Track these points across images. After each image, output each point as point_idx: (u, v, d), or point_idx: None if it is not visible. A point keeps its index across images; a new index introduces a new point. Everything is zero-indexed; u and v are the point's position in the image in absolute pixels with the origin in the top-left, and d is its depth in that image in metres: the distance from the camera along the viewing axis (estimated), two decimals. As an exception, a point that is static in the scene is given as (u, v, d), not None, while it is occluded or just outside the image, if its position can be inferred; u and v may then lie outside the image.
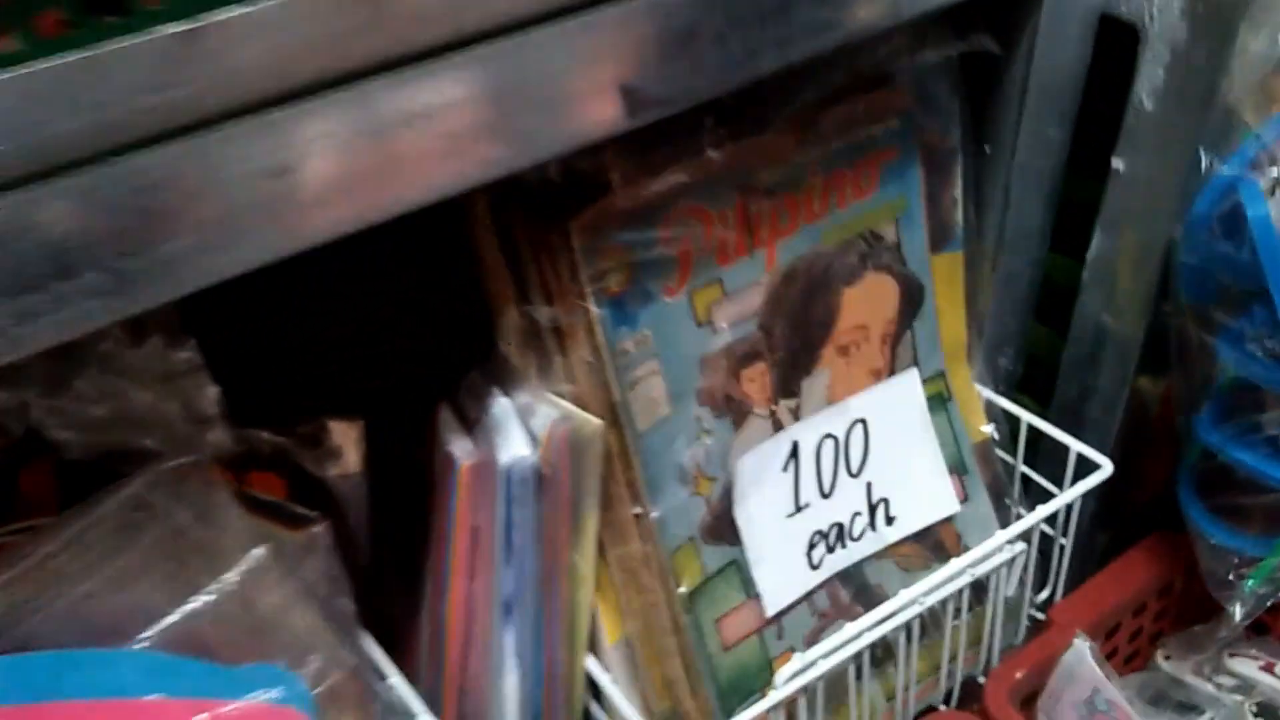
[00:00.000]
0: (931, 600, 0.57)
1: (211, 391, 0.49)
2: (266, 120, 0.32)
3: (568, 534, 0.51)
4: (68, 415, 0.46)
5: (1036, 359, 0.72)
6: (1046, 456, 0.66)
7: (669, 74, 0.40)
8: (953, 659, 0.62)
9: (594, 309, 0.49)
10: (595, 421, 0.49)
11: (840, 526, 0.59)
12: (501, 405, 0.50)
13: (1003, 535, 0.58)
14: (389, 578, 0.57)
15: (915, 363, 0.61)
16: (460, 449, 0.50)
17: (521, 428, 0.49)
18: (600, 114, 0.39)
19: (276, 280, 0.49)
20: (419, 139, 0.35)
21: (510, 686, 0.52)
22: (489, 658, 0.53)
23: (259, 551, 0.48)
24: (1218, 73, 0.55)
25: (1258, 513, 0.59)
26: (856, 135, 0.55)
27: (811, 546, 0.58)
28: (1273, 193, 0.51)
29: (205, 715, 0.43)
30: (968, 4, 0.50)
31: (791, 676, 0.52)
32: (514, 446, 0.48)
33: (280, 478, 0.51)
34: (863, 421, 0.59)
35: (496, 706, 0.52)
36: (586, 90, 0.38)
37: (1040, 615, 0.66)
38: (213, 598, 0.46)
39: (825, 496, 0.58)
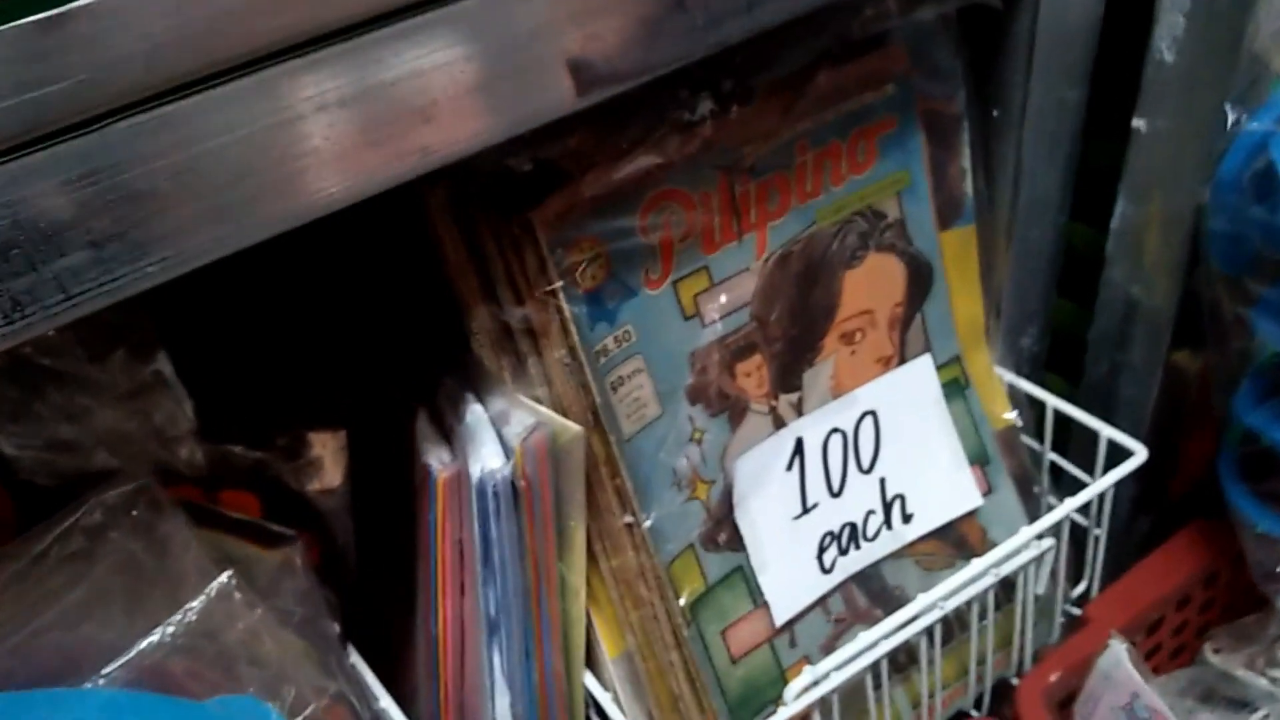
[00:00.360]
0: (954, 603, 0.53)
1: (182, 407, 0.47)
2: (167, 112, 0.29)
3: (552, 547, 0.47)
4: (26, 435, 0.43)
5: (1063, 336, 0.68)
6: (1077, 442, 0.61)
7: (621, 46, 0.36)
8: (981, 662, 0.58)
9: (566, 306, 0.45)
10: (574, 428, 0.46)
11: (853, 526, 0.55)
12: (475, 413, 0.46)
13: (1029, 530, 0.54)
14: (380, 595, 0.54)
15: (928, 348, 0.57)
16: (436, 460, 0.47)
17: (495, 437, 0.45)
18: (545, 94, 0.35)
19: (243, 287, 0.47)
20: (343, 128, 0.32)
21: (502, 708, 0.49)
22: (479, 677, 0.49)
23: (223, 577, 0.45)
24: (1243, 16, 0.50)
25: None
26: (849, 105, 0.51)
27: (823, 549, 0.54)
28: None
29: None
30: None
31: (803, 690, 0.49)
32: (486, 458, 0.44)
33: (254, 495, 0.48)
34: (873, 414, 0.55)
35: None
36: (529, 68, 0.35)
37: (1076, 611, 0.61)
38: (174, 629, 0.44)
39: (835, 495, 0.55)
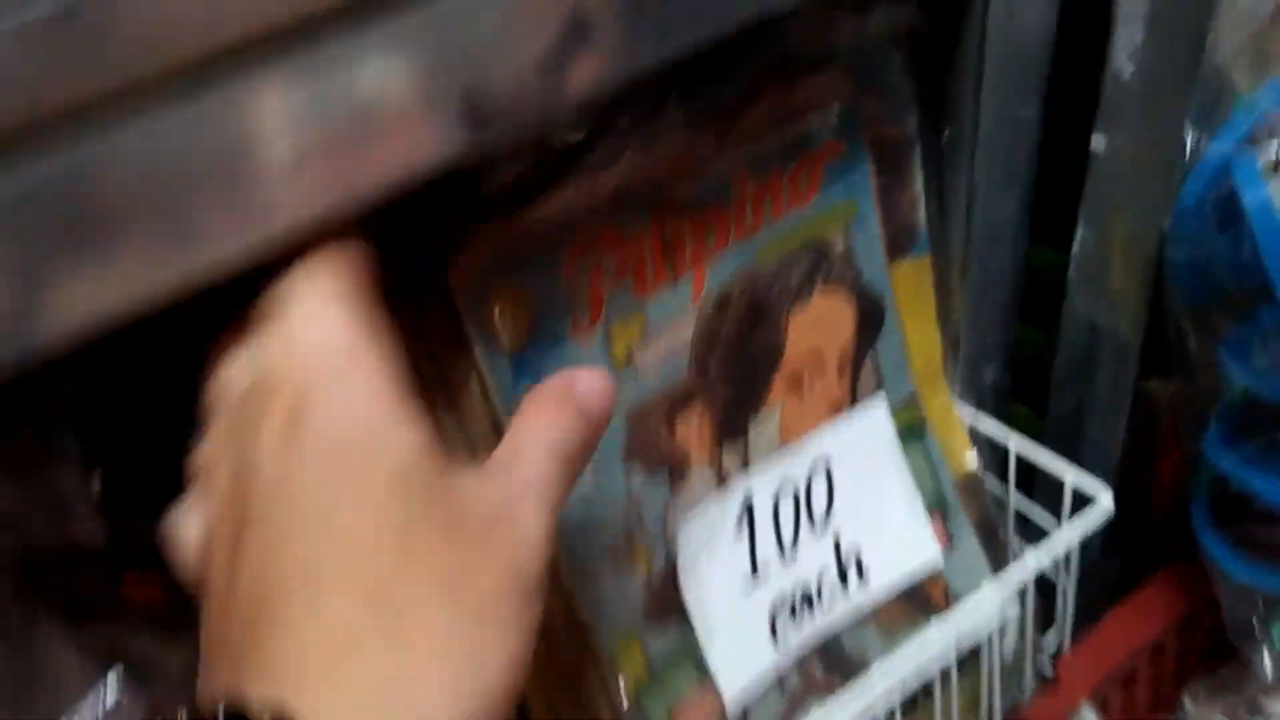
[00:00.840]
0: (914, 670, 0.48)
1: (84, 483, 0.41)
2: None
3: None
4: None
5: (1028, 364, 0.64)
6: (1042, 480, 0.57)
7: (514, 82, 0.30)
8: (949, 726, 0.54)
9: (484, 364, 0.40)
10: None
11: (807, 590, 0.50)
12: None
13: (993, 592, 0.50)
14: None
15: (881, 389, 0.52)
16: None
17: None
18: (432, 140, 0.30)
19: (146, 351, 0.41)
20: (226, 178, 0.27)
21: None
22: None
23: (109, 679, 0.40)
24: (1204, 27, 0.46)
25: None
26: (790, 131, 0.46)
27: (774, 617, 0.49)
28: (1275, 170, 0.42)
29: None
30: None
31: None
32: None
33: (158, 579, 0.43)
34: (825, 463, 0.51)
35: None
36: (413, 112, 0.29)
37: (1047, 666, 0.57)
38: None
39: (786, 556, 0.50)
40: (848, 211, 0.49)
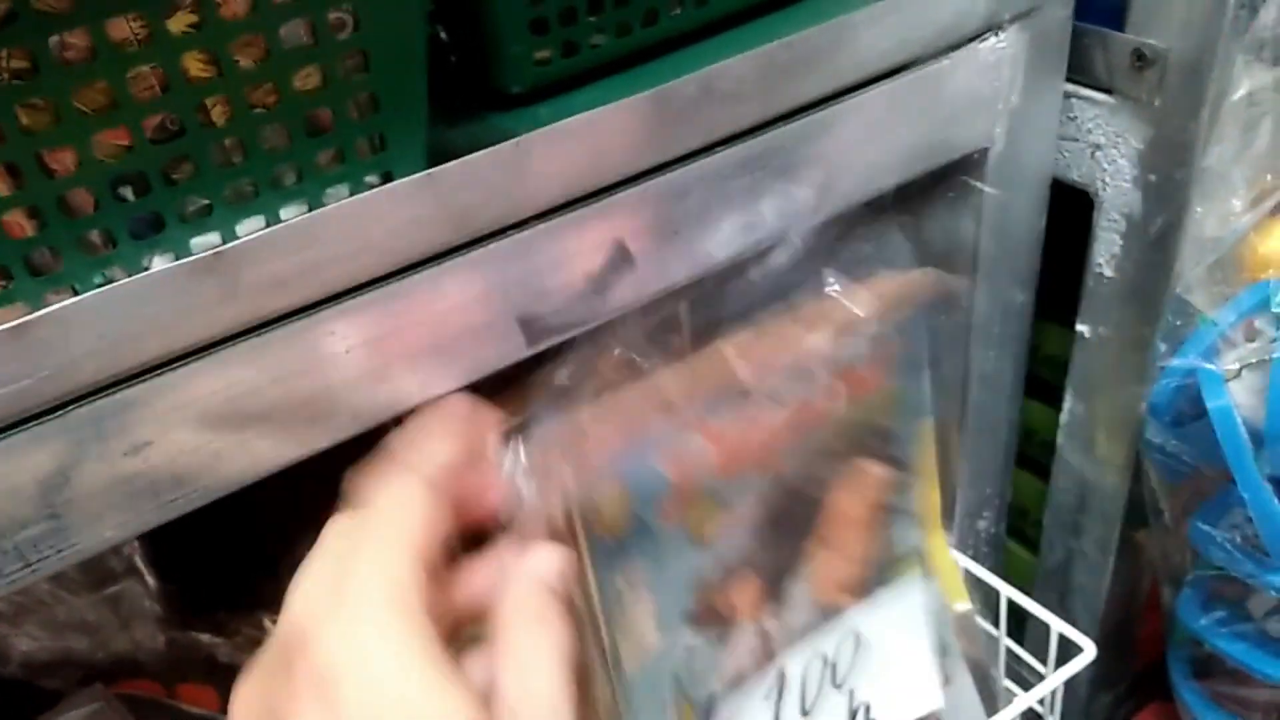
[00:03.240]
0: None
1: (148, 594, 0.45)
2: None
3: None
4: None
5: (1024, 507, 0.66)
6: (1032, 625, 0.59)
7: (562, 302, 0.35)
8: None
9: (587, 554, 0.42)
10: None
11: (821, 751, 0.51)
12: None
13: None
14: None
15: (894, 545, 0.54)
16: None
17: None
18: (497, 346, 0.35)
19: None
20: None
21: None
22: None
23: None
24: (1174, 247, 0.50)
25: (1258, 701, 0.52)
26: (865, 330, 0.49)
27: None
28: (1237, 375, 0.45)
29: None
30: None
31: None
32: None
33: (213, 688, 0.46)
34: (855, 634, 0.52)
35: None
36: (480, 326, 0.34)
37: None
38: None
39: (806, 714, 0.51)
40: (902, 395, 0.52)
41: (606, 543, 0.42)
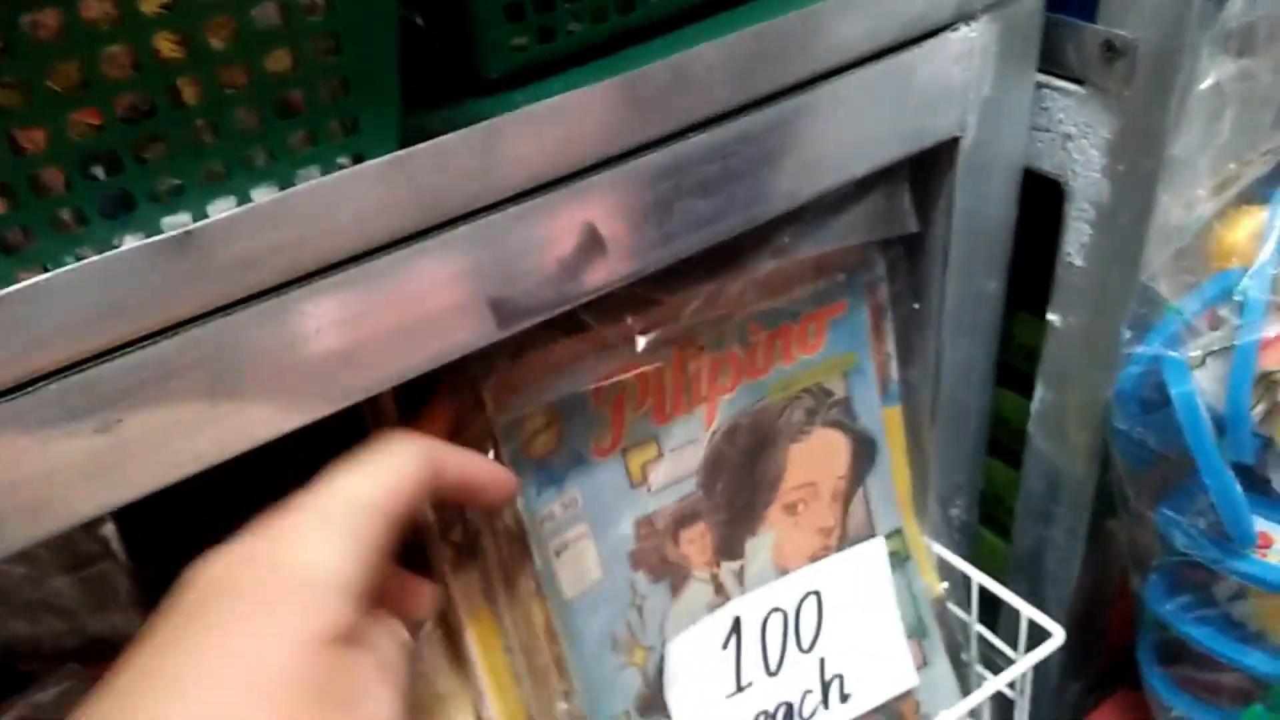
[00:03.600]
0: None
1: (124, 577, 0.45)
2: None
3: None
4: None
5: (995, 495, 0.67)
6: (1005, 611, 0.60)
7: (534, 285, 0.36)
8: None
9: (511, 469, 0.44)
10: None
11: (789, 706, 0.53)
12: None
13: (955, 714, 0.52)
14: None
15: (871, 521, 0.55)
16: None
17: None
18: (465, 329, 0.35)
19: None
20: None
21: None
22: None
23: None
24: (1142, 236, 0.50)
25: (1223, 686, 0.52)
26: (802, 290, 0.51)
27: (756, 727, 0.52)
28: (1201, 364, 0.46)
29: None
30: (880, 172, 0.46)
31: None
32: None
33: None
34: (816, 594, 0.54)
35: None
36: (451, 308, 0.35)
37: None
38: None
39: (772, 674, 0.52)
40: (848, 361, 0.54)
41: (534, 463, 0.44)
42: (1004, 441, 0.66)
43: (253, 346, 0.31)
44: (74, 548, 0.43)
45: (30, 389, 0.28)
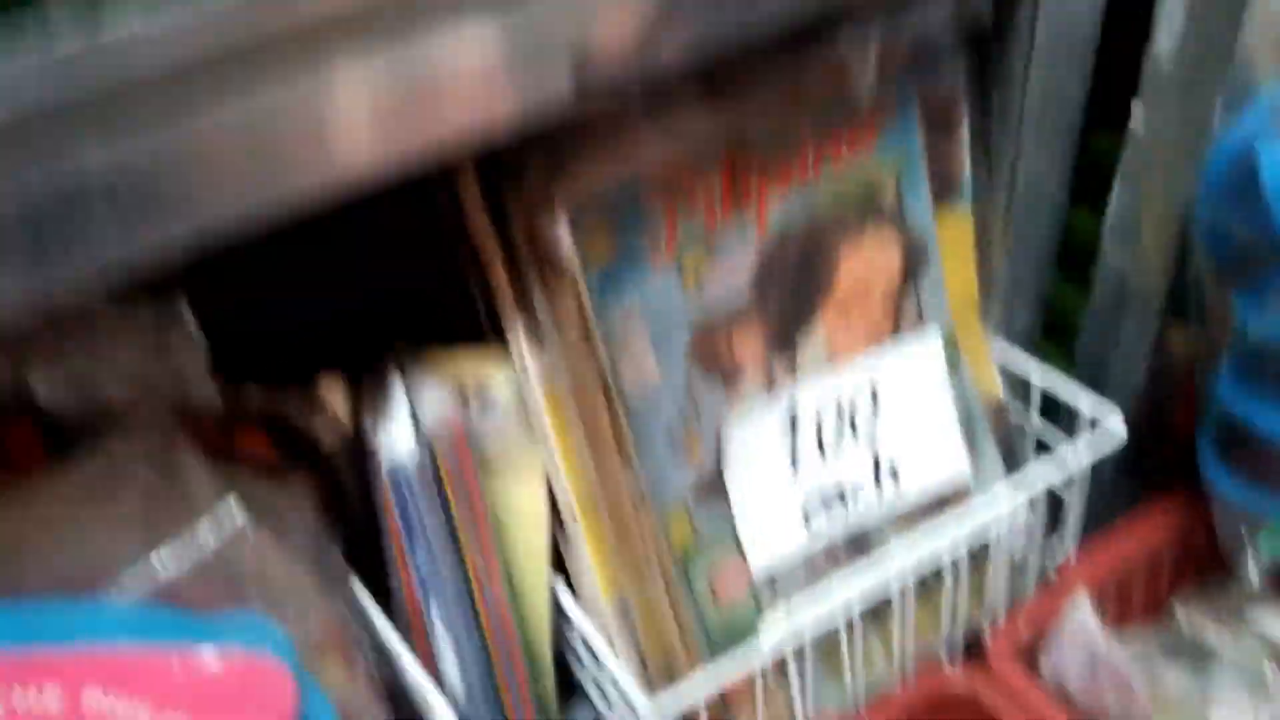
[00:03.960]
0: (927, 553, 0.52)
1: (198, 348, 0.47)
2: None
3: (484, 523, 0.48)
4: (53, 373, 0.44)
5: (1059, 315, 0.66)
6: (1065, 415, 0.60)
7: (624, 49, 0.35)
8: (956, 617, 0.58)
9: (581, 281, 0.45)
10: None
11: (842, 491, 0.54)
12: (398, 401, 0.47)
13: (1006, 492, 0.53)
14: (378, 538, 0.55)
15: (922, 321, 0.55)
16: (379, 436, 0.47)
17: (410, 429, 0.46)
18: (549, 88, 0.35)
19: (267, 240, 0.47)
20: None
21: (449, 658, 0.50)
22: (430, 629, 0.50)
23: (229, 503, 0.46)
24: (1239, 17, 0.47)
25: (1274, 472, 0.53)
26: (852, 90, 0.49)
27: (808, 508, 0.54)
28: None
29: (183, 661, 0.42)
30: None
31: (778, 633, 0.49)
32: (397, 446, 0.46)
33: (266, 435, 0.49)
34: (871, 383, 0.54)
35: (448, 687, 0.50)
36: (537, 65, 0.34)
37: (1051, 567, 0.60)
38: (183, 548, 0.44)
39: (825, 460, 0.54)
40: (899, 164, 0.52)
41: (598, 272, 0.46)
42: (1072, 259, 0.64)
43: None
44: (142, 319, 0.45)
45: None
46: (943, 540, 0.53)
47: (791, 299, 0.52)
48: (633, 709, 0.48)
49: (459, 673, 0.50)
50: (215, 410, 0.48)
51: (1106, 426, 0.55)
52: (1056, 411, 0.60)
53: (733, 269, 0.50)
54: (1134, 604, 0.62)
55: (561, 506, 0.51)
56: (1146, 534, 0.61)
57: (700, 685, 0.48)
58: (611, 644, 0.51)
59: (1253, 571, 0.55)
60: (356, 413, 0.51)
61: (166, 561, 0.44)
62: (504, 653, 0.50)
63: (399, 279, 0.53)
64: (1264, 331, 0.51)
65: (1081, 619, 0.53)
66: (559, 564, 0.53)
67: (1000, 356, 0.60)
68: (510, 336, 0.48)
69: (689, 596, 0.51)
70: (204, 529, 0.45)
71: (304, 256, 0.52)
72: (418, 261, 0.52)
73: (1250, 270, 0.50)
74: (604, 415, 0.48)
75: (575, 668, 0.56)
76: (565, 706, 0.56)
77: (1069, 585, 0.58)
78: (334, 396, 0.53)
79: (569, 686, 0.56)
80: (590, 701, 0.56)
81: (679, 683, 0.49)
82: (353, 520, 0.51)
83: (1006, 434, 0.60)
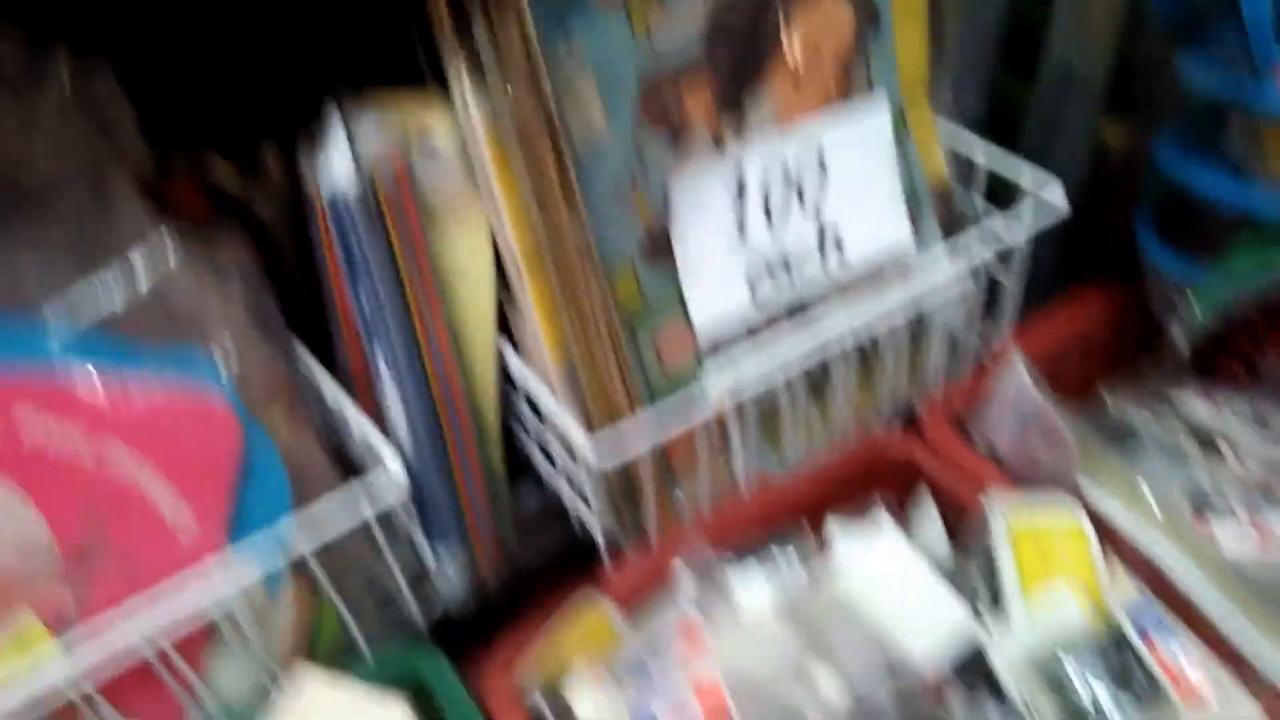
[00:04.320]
0: (868, 318, 0.52)
1: (124, 107, 0.45)
2: None
3: (424, 257, 0.47)
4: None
5: (1008, 112, 0.66)
6: (1006, 200, 0.60)
7: None
8: (894, 391, 0.59)
9: (527, 11, 0.43)
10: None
11: (787, 258, 0.54)
12: (337, 137, 0.45)
13: (947, 266, 0.53)
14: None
15: (872, 89, 0.55)
16: (317, 173, 0.46)
17: (349, 162, 0.45)
18: None
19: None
20: None
21: (395, 403, 0.49)
22: (374, 374, 0.50)
23: (162, 234, 0.45)
24: None
25: (1208, 238, 0.54)
26: None
27: (753, 275, 0.54)
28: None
29: (120, 386, 0.41)
30: None
31: (718, 386, 0.49)
32: (336, 175, 0.44)
33: (199, 190, 0.47)
34: (819, 150, 0.54)
35: (390, 423, 0.50)
36: None
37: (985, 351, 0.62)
38: (118, 278, 0.43)
39: (773, 225, 0.54)
40: None
41: (543, 10, 0.44)
42: (1019, 53, 0.64)
43: None
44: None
45: None
46: (883, 306, 0.53)
47: (741, 56, 0.51)
48: (574, 452, 0.48)
49: (404, 424, 0.49)
50: (146, 170, 0.46)
51: (1047, 198, 0.55)
52: (1001, 200, 0.60)
53: (684, 23, 0.48)
54: (1065, 386, 0.63)
55: (506, 262, 0.50)
56: (1078, 318, 0.62)
57: (642, 430, 0.48)
58: (557, 401, 0.51)
59: (1181, 340, 0.57)
60: (295, 181, 0.50)
61: (100, 290, 0.42)
62: (450, 408, 0.50)
63: (335, 23, 0.51)
64: (1207, 84, 0.51)
65: (1017, 380, 0.55)
66: (505, 330, 0.53)
67: (947, 140, 0.59)
68: (452, 78, 0.47)
69: (635, 361, 0.51)
70: (137, 258, 0.43)
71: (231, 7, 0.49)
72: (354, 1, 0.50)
73: (1201, 26, 0.50)
74: (551, 164, 0.46)
75: (521, 438, 0.56)
76: (513, 493, 0.57)
77: (1002, 360, 0.59)
78: (272, 163, 0.51)
79: (516, 473, 0.56)
80: (539, 484, 0.56)
81: (620, 422, 0.49)
82: (294, 291, 0.50)
83: (951, 217, 0.60)
